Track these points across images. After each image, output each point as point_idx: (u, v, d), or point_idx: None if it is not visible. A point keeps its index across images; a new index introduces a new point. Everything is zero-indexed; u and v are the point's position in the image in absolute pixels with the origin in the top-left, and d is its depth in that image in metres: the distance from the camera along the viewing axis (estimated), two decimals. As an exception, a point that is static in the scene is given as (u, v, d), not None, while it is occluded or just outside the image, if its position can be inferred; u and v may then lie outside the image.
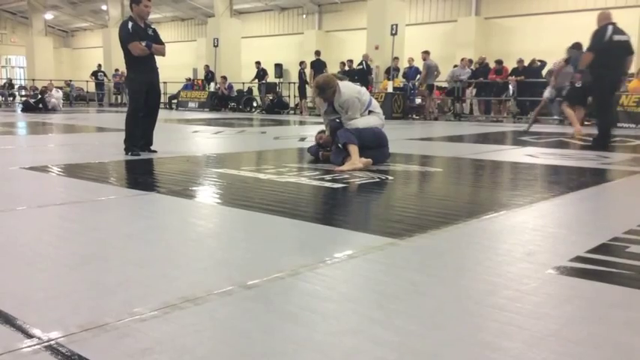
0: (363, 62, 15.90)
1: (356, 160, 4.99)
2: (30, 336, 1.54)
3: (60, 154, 6.45)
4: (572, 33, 17.14)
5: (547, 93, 10.65)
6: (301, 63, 18.90)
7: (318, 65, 17.78)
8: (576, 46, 9.99)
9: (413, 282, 2.03)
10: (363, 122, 5.38)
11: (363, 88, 5.73)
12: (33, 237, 2.65)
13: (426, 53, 15.20)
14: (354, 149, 5.06)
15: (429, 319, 1.70)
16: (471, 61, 16.60)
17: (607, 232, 2.76)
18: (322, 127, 5.91)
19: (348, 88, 5.42)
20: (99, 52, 27.84)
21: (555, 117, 13.32)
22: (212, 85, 20.87)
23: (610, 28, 7.12)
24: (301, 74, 18.24)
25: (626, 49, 7.20)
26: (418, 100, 16.30)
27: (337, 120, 5.48)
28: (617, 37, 7.13)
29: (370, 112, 5.49)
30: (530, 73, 14.72)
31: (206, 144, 8.00)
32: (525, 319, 1.70)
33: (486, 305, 1.82)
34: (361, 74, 15.79)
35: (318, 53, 18.37)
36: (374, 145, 5.34)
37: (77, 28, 35.93)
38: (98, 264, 2.22)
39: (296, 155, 5.76)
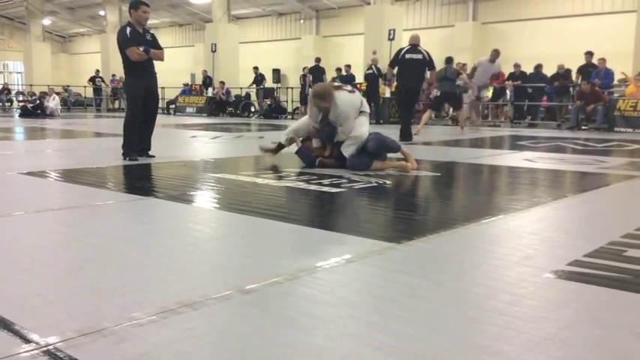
0: (373, 67, 15.15)
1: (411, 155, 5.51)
2: (28, 341, 1.53)
3: (58, 159, 6.44)
4: (568, 38, 17.28)
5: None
6: (304, 69, 18.92)
7: (317, 71, 17.68)
8: (449, 60, 11.88)
9: (411, 286, 2.03)
10: (365, 129, 5.40)
11: (356, 93, 5.70)
12: (30, 242, 2.64)
13: None
14: (406, 151, 5.53)
15: (426, 323, 1.71)
16: (465, 65, 16.61)
17: (604, 236, 2.77)
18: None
19: (343, 102, 5.34)
20: (97, 57, 27.82)
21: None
22: (210, 90, 20.88)
23: (406, 48, 8.88)
24: (304, 79, 18.13)
25: (417, 66, 8.80)
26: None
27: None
28: (408, 56, 8.82)
29: (362, 112, 5.49)
30: (527, 78, 14.75)
31: (204, 149, 8.00)
32: (523, 323, 1.70)
33: (484, 309, 1.82)
34: (372, 79, 15.16)
35: (318, 60, 18.32)
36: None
37: (75, 34, 35.94)
38: (96, 269, 2.22)
39: (294, 160, 5.76)
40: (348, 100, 5.43)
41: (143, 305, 1.79)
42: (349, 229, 3.01)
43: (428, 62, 8.88)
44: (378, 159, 5.33)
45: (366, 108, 5.62)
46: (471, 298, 1.92)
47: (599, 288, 2.04)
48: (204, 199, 3.95)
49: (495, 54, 12.88)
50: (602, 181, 4.95)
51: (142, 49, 5.91)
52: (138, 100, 6.06)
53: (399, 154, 5.57)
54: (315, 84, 6.32)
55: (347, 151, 5.31)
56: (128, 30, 5.94)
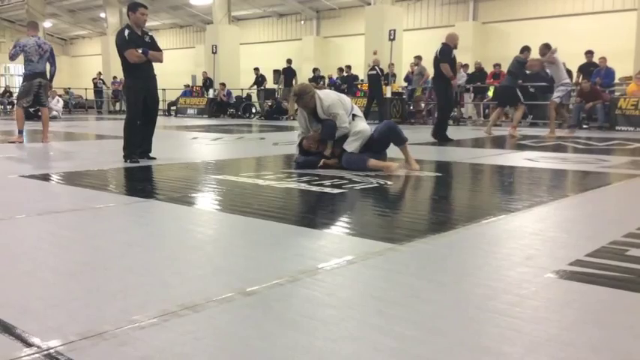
0: (376, 67, 14.68)
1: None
2: (29, 345, 1.53)
3: (59, 162, 6.45)
4: (569, 37, 17.25)
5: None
6: (314, 70, 19.01)
7: (290, 72, 17.95)
8: (522, 50, 11.35)
9: (412, 287, 2.03)
10: (367, 126, 5.46)
11: (342, 95, 5.88)
12: (32, 245, 2.65)
13: (418, 58, 15.62)
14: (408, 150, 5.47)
15: (428, 324, 1.70)
16: (466, 65, 16.62)
17: (606, 236, 2.76)
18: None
19: (328, 95, 5.51)
20: (98, 59, 27.89)
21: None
22: (211, 91, 20.90)
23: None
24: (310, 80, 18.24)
25: (435, 63, 9.22)
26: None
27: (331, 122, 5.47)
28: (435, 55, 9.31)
29: (354, 116, 5.48)
30: (528, 77, 14.71)
31: (205, 150, 8.01)
32: (525, 324, 1.69)
33: (486, 310, 1.81)
34: (375, 80, 14.75)
35: (289, 61, 18.78)
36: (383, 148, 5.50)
37: (76, 36, 36.02)
38: (97, 272, 2.22)
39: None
40: (333, 94, 5.62)
41: (144, 308, 1.79)
42: (350, 230, 3.01)
43: (437, 58, 9.04)
44: (379, 158, 5.30)
45: (359, 112, 5.64)
46: (473, 299, 1.92)
47: (602, 288, 2.03)
48: (206, 201, 3.95)
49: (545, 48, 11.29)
50: (603, 180, 4.94)
51: (140, 51, 5.92)
52: (137, 103, 6.07)
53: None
54: (292, 86, 6.37)
55: (351, 147, 5.29)
56: (126, 32, 5.95)
